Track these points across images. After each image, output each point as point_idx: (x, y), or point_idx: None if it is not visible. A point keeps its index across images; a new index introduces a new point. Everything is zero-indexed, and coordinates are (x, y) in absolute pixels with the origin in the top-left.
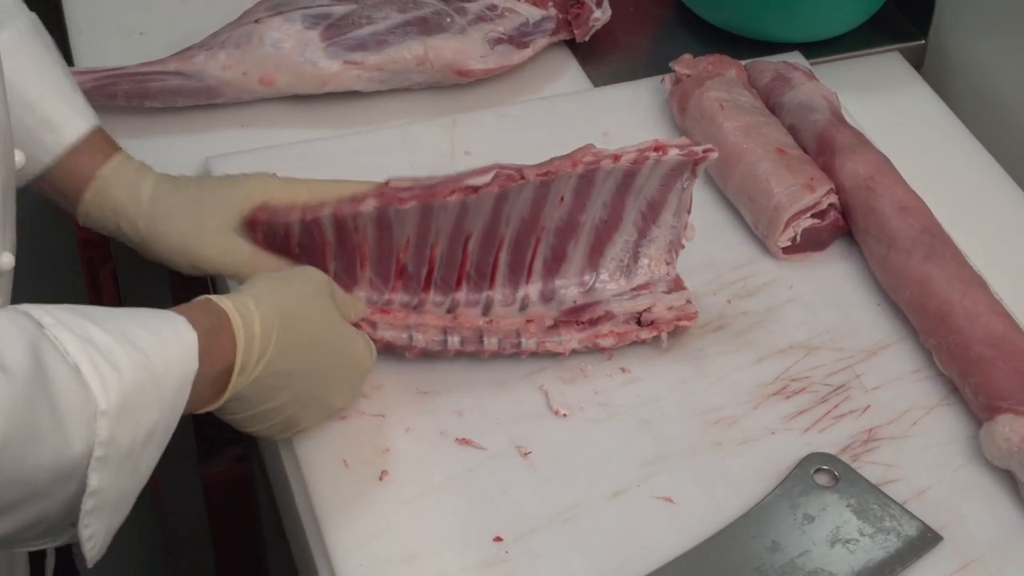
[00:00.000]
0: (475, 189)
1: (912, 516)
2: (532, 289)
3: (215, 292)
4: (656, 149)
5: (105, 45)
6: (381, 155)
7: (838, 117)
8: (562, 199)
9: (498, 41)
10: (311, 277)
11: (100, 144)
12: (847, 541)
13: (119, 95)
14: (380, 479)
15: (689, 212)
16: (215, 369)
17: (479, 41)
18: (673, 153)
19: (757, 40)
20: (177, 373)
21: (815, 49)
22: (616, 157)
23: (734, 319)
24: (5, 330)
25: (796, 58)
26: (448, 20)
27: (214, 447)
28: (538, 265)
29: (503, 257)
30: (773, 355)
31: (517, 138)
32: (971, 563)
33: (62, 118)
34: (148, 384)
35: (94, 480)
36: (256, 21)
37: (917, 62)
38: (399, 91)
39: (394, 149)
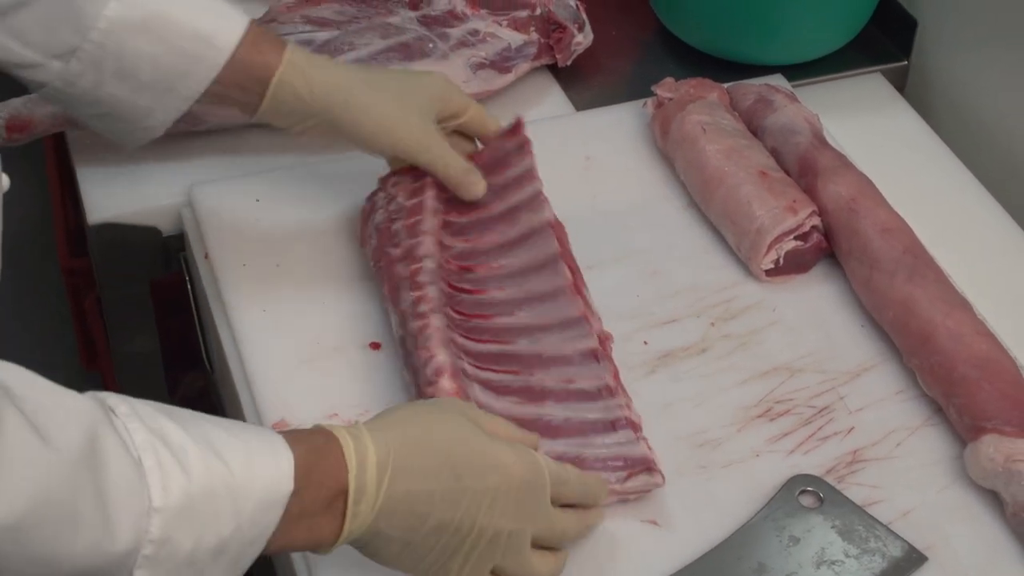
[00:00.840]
0: None
1: (897, 537)
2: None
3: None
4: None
5: None
6: (365, 181)
7: (820, 139)
8: None
9: (480, 66)
10: (445, 404)
11: (259, 41)
12: (833, 562)
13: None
14: None
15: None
16: (325, 492)
17: (461, 66)
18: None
19: (739, 63)
20: (261, 488)
21: (797, 71)
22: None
23: (717, 342)
24: (66, 408)
25: (778, 80)
26: (430, 46)
27: None
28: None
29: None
30: (757, 377)
31: None
32: None
33: (211, 29)
34: (222, 492)
35: None
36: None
37: (899, 83)
38: None
39: (377, 175)
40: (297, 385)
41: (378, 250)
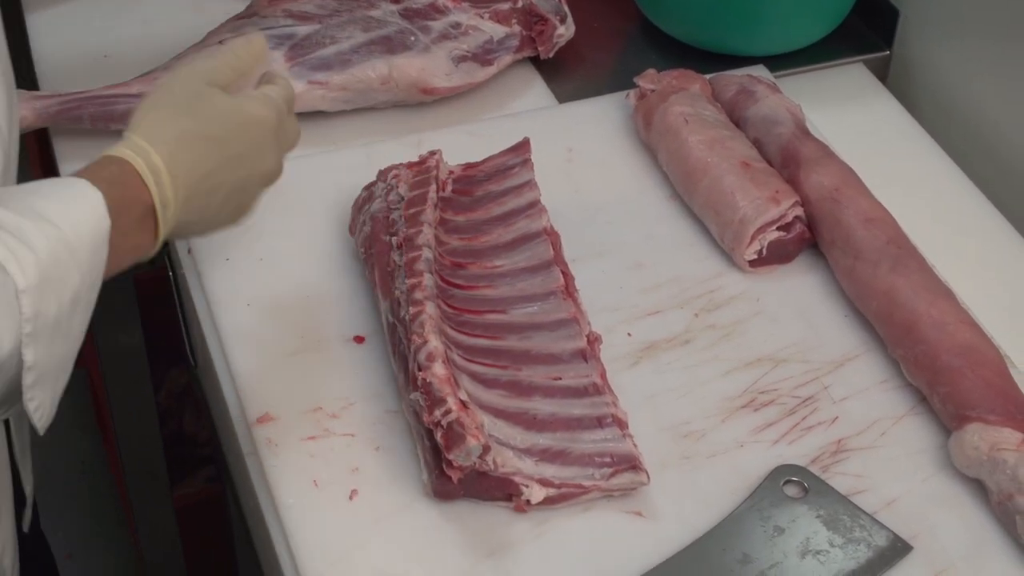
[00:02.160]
0: None
1: (882, 526)
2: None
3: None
4: None
5: (70, 69)
6: (347, 175)
7: (802, 130)
8: None
9: (462, 59)
10: (184, 80)
11: None
12: (817, 552)
13: (84, 118)
14: (350, 498)
15: None
16: (134, 215)
17: (443, 59)
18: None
19: (721, 54)
20: (89, 234)
21: (779, 62)
22: None
23: (701, 333)
24: None
25: (760, 71)
26: (412, 39)
27: (185, 470)
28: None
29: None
30: (741, 368)
31: (483, 155)
32: (941, 572)
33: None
34: (63, 253)
35: (29, 355)
36: (220, 42)
37: (881, 73)
38: (364, 110)
39: (360, 168)
40: (281, 379)
41: (371, 237)
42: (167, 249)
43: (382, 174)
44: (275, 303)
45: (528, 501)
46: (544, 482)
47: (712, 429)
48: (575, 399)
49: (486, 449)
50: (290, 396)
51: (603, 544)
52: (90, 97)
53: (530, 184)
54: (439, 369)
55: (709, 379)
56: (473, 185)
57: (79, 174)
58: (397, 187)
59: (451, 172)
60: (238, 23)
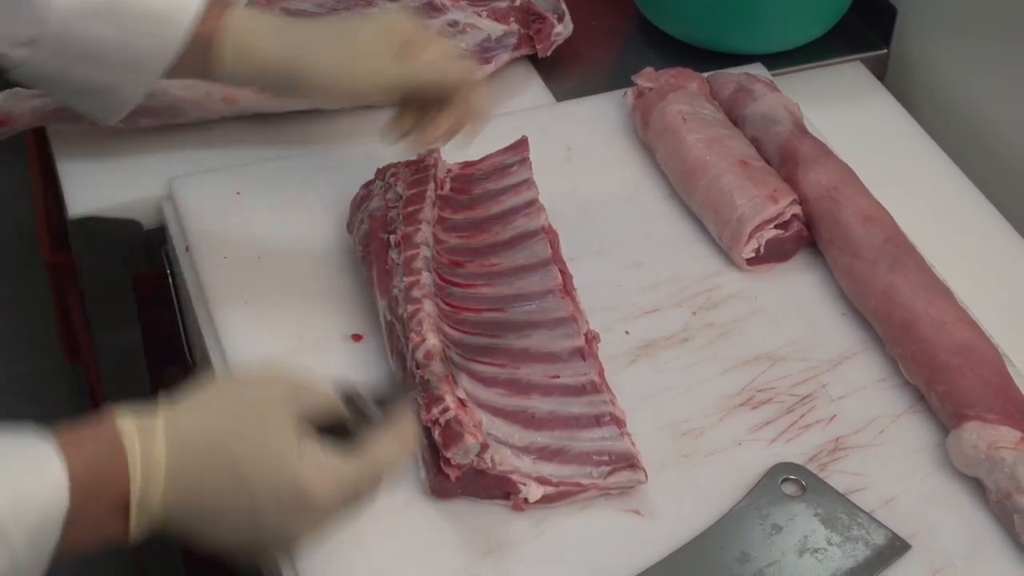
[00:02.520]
0: None
1: (880, 525)
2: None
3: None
4: None
5: None
6: (346, 173)
7: (800, 128)
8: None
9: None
10: (254, 387)
11: (212, 10)
12: (815, 550)
13: (82, 116)
14: None
15: None
16: (108, 503)
17: None
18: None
19: (719, 52)
20: (32, 517)
21: (777, 60)
22: None
23: (699, 331)
24: None
25: (758, 70)
26: None
27: None
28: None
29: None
30: (739, 366)
31: (481, 153)
32: (939, 571)
33: (167, 7)
34: None
35: None
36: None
37: (879, 71)
38: (363, 108)
39: (359, 167)
40: None
41: (369, 236)
42: (165, 247)
43: (380, 172)
44: (273, 301)
45: (526, 499)
46: (542, 480)
47: (710, 427)
48: (573, 397)
49: (484, 447)
50: None
51: (601, 543)
52: None
53: (528, 183)
54: (437, 367)
55: (707, 377)
56: (471, 183)
57: (64, 437)
58: (395, 185)
59: (449, 170)
60: None
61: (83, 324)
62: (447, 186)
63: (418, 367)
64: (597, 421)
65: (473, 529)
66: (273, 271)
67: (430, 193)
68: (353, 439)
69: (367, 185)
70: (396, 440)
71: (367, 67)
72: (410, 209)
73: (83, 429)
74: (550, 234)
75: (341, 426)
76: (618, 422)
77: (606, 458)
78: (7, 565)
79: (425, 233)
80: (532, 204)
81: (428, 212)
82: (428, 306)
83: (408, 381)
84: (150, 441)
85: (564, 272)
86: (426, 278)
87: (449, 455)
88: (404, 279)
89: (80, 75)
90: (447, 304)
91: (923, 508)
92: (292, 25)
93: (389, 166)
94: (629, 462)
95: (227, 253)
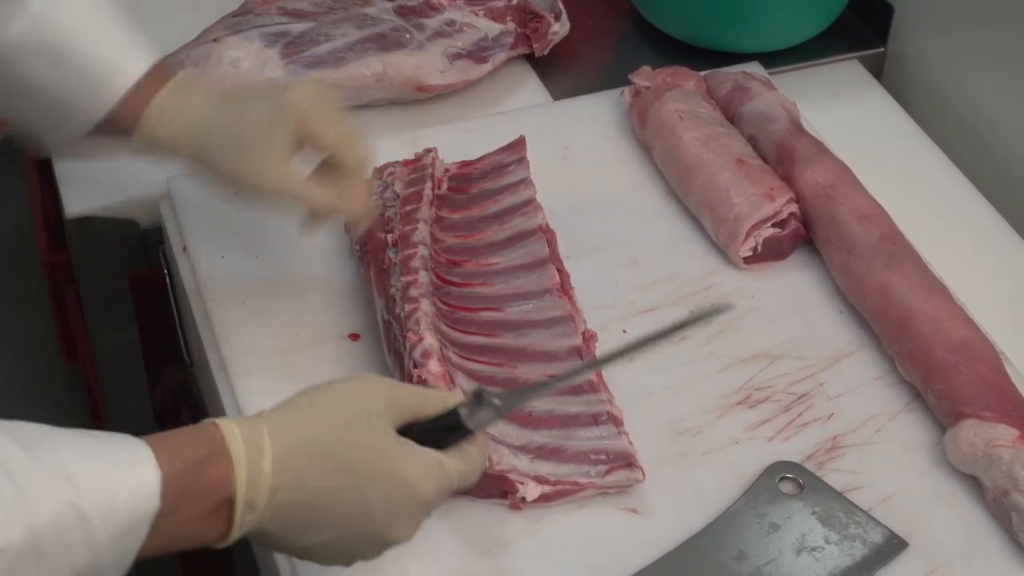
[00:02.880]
0: None
1: (878, 523)
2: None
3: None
4: None
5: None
6: None
7: (797, 126)
8: None
9: (457, 56)
10: (358, 395)
11: (149, 80)
12: (813, 549)
13: None
14: None
15: None
16: (205, 505)
17: (438, 56)
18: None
19: (716, 51)
20: (120, 514)
21: (774, 59)
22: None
23: (696, 330)
24: None
25: (755, 68)
26: (407, 36)
27: None
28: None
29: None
30: (736, 365)
31: (478, 152)
32: (937, 569)
33: (108, 69)
34: (73, 523)
35: None
36: (214, 40)
37: (876, 70)
38: (359, 108)
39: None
40: (276, 377)
41: (367, 235)
42: (163, 247)
43: (378, 171)
44: (270, 301)
45: (524, 499)
46: (540, 479)
47: (707, 426)
48: (571, 396)
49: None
50: (286, 394)
51: (599, 541)
52: None
53: (526, 182)
54: (434, 367)
55: (704, 376)
56: (469, 183)
57: (162, 438)
58: (393, 184)
59: (447, 170)
60: (233, 21)
61: (81, 324)
62: (444, 185)
63: (415, 366)
64: (595, 420)
65: (471, 528)
66: (270, 271)
67: (427, 192)
68: (442, 442)
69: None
70: (480, 446)
71: (256, 166)
72: (407, 208)
73: (180, 434)
74: (547, 233)
75: (430, 429)
76: (615, 421)
77: (603, 457)
78: (90, 560)
79: (423, 232)
80: (529, 203)
81: (425, 211)
82: (425, 305)
83: (405, 380)
84: (257, 448)
85: (561, 271)
86: (423, 277)
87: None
88: (401, 278)
89: (12, 107)
90: (444, 303)
91: (920, 506)
92: (203, 109)
93: (387, 165)
94: (627, 461)
95: (224, 253)
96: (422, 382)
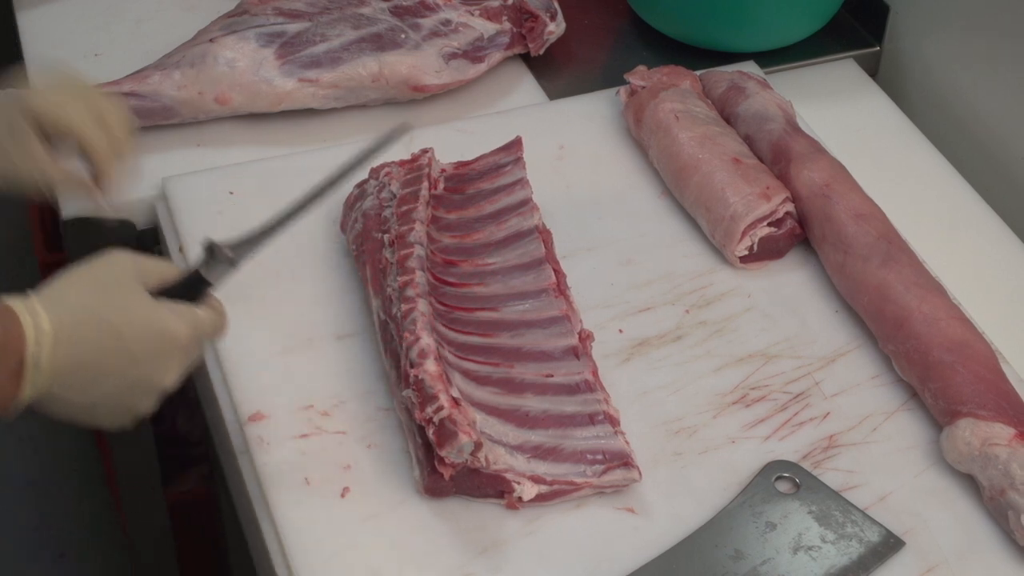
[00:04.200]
0: None
1: (874, 522)
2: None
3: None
4: None
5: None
6: None
7: (793, 126)
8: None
9: (453, 56)
10: (111, 263)
11: None
12: (809, 548)
13: None
14: (342, 496)
15: None
16: (8, 365)
17: (434, 56)
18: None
19: (711, 50)
20: None
21: (769, 58)
22: None
23: (693, 329)
24: None
25: (750, 67)
26: (402, 36)
27: (178, 469)
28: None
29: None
30: (732, 364)
31: (474, 152)
32: (934, 567)
33: None
34: None
35: None
36: (210, 41)
37: (872, 69)
38: (355, 108)
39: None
40: (272, 377)
41: (363, 235)
42: (158, 248)
43: (374, 171)
44: (267, 300)
45: (520, 498)
46: (536, 479)
47: (704, 425)
48: (567, 396)
49: (478, 446)
50: (282, 394)
51: (595, 541)
52: None
53: (522, 182)
54: (431, 366)
55: (700, 375)
56: (465, 183)
57: None
58: (389, 184)
59: (443, 170)
60: (228, 21)
61: None
62: (441, 186)
63: (412, 366)
64: (591, 420)
65: (467, 528)
66: (267, 270)
67: (424, 192)
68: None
69: (361, 184)
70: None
71: (10, 163)
72: (404, 208)
73: None
74: (544, 233)
75: (181, 287)
76: (612, 420)
77: (600, 456)
78: None
79: (419, 232)
80: (526, 203)
81: (422, 211)
82: (422, 305)
83: (402, 380)
84: (35, 312)
85: (558, 271)
86: (420, 277)
87: (443, 454)
88: (398, 278)
89: None
90: (441, 303)
91: (917, 505)
92: None
93: (383, 165)
94: (623, 460)
95: None
96: (419, 382)
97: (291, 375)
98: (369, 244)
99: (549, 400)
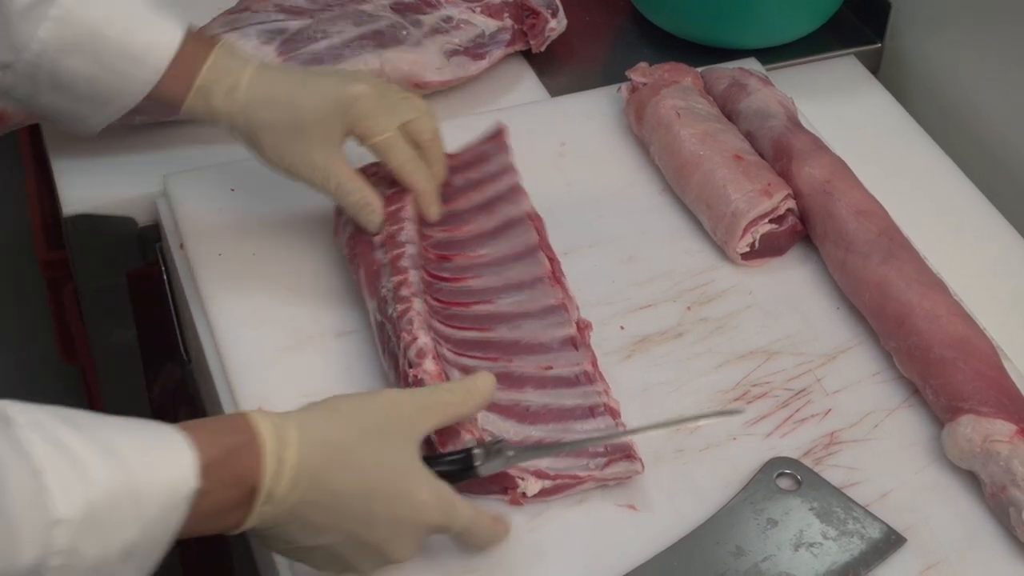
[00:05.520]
0: None
1: (875, 518)
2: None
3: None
4: None
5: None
6: None
7: (794, 122)
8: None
9: (454, 53)
10: (385, 406)
11: (189, 51)
12: (811, 545)
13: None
14: None
15: None
16: (236, 492)
17: (435, 53)
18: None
19: (713, 47)
20: (164, 490)
21: (771, 55)
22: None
23: (694, 326)
24: None
25: (752, 64)
26: (403, 33)
27: None
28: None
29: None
30: (734, 361)
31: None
32: (935, 565)
33: (144, 48)
34: (124, 498)
35: None
36: (212, 38)
37: (873, 66)
38: None
39: (353, 163)
40: (274, 374)
41: (354, 238)
42: (160, 244)
43: (362, 171)
44: (268, 298)
45: (524, 494)
46: (539, 474)
47: (705, 422)
48: (567, 389)
49: (481, 443)
50: (283, 391)
51: (597, 537)
52: None
53: (508, 169)
54: (430, 365)
55: (702, 372)
56: (452, 175)
57: (198, 424)
58: (377, 185)
59: None
60: (230, 18)
61: (78, 322)
62: None
63: (411, 366)
64: (591, 412)
65: None
66: (268, 268)
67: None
68: (452, 477)
69: None
70: (498, 525)
71: (306, 157)
72: (392, 208)
73: (216, 421)
74: (535, 220)
75: (448, 462)
76: (612, 412)
77: (602, 449)
78: (138, 532)
79: (409, 231)
80: (514, 190)
81: (410, 210)
82: (417, 304)
83: (401, 380)
84: (284, 441)
85: (552, 259)
86: (413, 276)
87: (480, 470)
88: (392, 278)
89: (49, 102)
90: (436, 300)
91: (918, 502)
92: (258, 88)
93: (370, 165)
94: (625, 453)
95: (222, 250)
96: (418, 382)
97: (293, 372)
98: (361, 247)
99: (549, 394)
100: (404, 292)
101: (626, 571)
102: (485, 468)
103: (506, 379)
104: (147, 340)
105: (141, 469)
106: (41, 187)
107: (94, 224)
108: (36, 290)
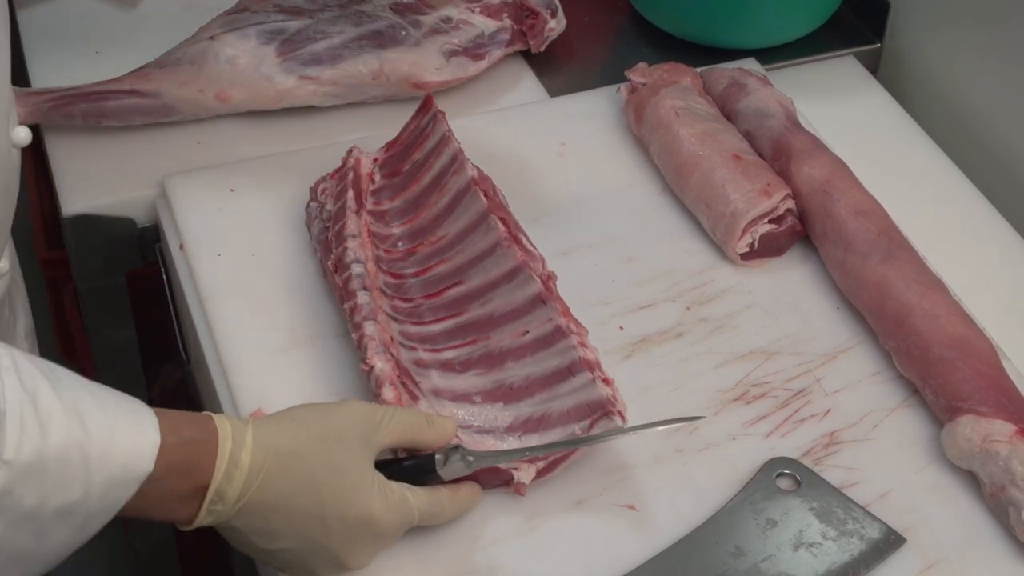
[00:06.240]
0: None
1: (875, 519)
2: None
3: (170, 286)
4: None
5: (61, 65)
6: None
7: (793, 122)
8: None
9: (453, 53)
10: (344, 416)
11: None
12: (810, 545)
13: (76, 114)
14: None
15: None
16: (187, 485)
17: (434, 54)
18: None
19: (712, 47)
20: (117, 463)
21: (770, 55)
22: None
23: (693, 326)
24: None
25: (751, 64)
26: (403, 33)
27: None
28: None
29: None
30: (733, 361)
31: (474, 150)
32: (935, 564)
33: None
34: (76, 460)
35: None
36: (211, 38)
37: (872, 66)
38: (355, 105)
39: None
40: (273, 374)
41: (323, 262)
42: (159, 245)
43: (312, 191)
44: (267, 298)
45: (522, 483)
46: (531, 460)
47: (705, 422)
48: (544, 351)
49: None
50: (282, 391)
51: (595, 537)
52: (82, 93)
53: (445, 139)
54: (388, 392)
55: (701, 372)
56: (399, 162)
57: (165, 413)
58: (326, 204)
59: (375, 160)
60: (229, 18)
61: (78, 321)
62: (377, 177)
63: (373, 395)
64: (570, 371)
65: (467, 524)
66: (267, 268)
67: (350, 203)
68: (415, 481)
69: (307, 207)
70: (459, 494)
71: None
72: (337, 227)
73: (183, 415)
74: (481, 183)
75: (405, 469)
76: (589, 365)
77: (584, 410)
78: (81, 496)
79: (353, 250)
80: (456, 160)
81: (352, 225)
82: (369, 328)
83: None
84: (239, 445)
85: (506, 219)
86: (362, 298)
87: (440, 473)
88: (344, 305)
89: None
90: (406, 300)
91: (918, 502)
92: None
93: (319, 182)
94: (604, 410)
95: (221, 251)
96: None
97: (292, 372)
98: (331, 272)
99: (529, 362)
100: (357, 318)
101: (626, 571)
102: (447, 472)
103: (487, 360)
104: (146, 340)
105: (100, 437)
106: (41, 187)
107: (94, 224)
108: (36, 289)
